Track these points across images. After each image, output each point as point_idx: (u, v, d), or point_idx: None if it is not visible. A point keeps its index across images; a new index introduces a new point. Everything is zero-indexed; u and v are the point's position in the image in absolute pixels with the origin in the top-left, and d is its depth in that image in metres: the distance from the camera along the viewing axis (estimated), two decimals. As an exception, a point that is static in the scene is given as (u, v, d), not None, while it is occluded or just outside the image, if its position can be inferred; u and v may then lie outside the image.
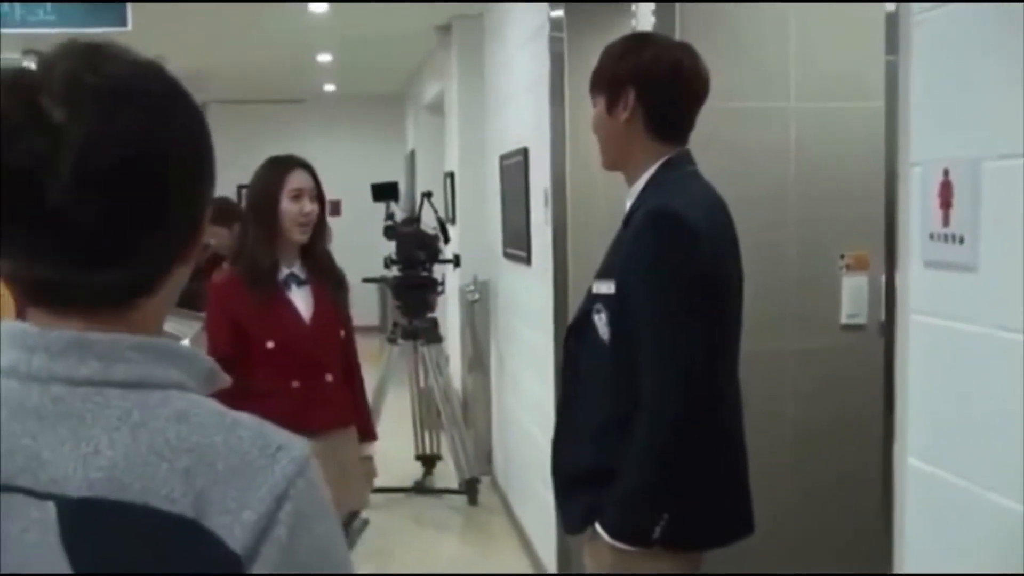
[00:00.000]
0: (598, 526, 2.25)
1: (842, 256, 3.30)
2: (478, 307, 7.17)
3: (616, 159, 2.42)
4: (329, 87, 12.95)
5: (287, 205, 3.32)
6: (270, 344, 3.32)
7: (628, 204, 2.36)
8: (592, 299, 2.34)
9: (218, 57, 10.42)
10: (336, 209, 13.60)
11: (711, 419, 2.23)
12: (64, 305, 0.95)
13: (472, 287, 7.23)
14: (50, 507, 0.89)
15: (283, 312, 3.36)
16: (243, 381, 3.29)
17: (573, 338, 2.43)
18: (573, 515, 2.39)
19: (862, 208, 3.25)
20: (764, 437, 3.16)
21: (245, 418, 0.98)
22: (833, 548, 3.22)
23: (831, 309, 3.30)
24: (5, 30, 5.95)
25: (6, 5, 5.87)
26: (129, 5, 5.80)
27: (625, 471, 2.20)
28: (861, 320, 3.28)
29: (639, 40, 2.45)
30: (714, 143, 3.17)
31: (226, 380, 1.06)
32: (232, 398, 0.98)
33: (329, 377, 3.42)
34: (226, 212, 5.48)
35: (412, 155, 12.40)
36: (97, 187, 0.91)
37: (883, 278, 3.30)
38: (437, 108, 9.65)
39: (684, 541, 2.26)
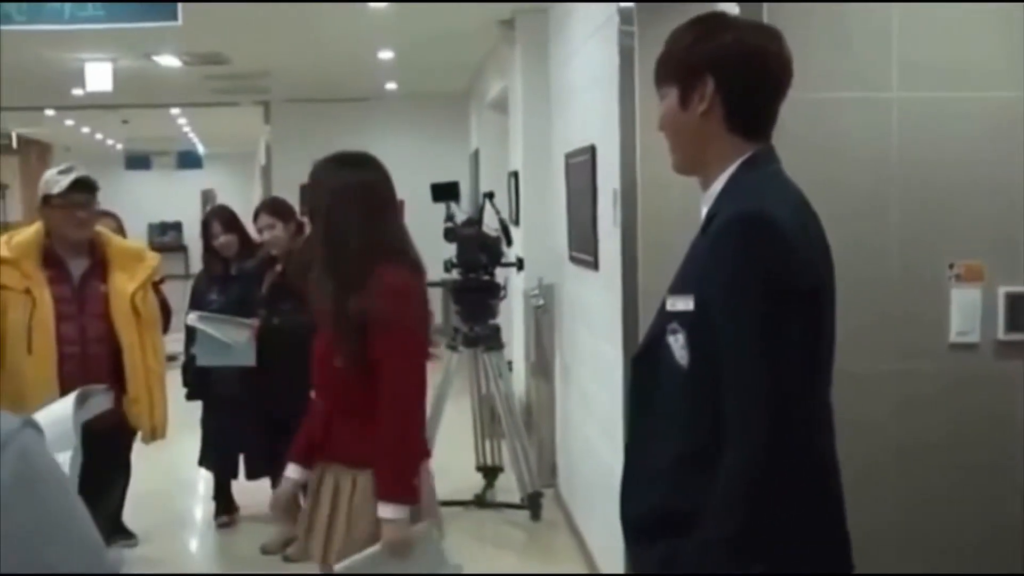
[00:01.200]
0: (678, 577, 1.94)
1: (951, 265, 2.92)
2: (543, 312, 6.89)
3: (691, 159, 2.08)
4: (391, 85, 12.75)
5: None
6: None
7: (704, 210, 2.04)
8: (666, 317, 2.01)
9: (279, 56, 10.28)
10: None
11: (808, 453, 1.90)
12: None
13: (537, 291, 6.95)
14: None
15: None
16: None
17: (643, 363, 2.10)
18: (648, 565, 2.07)
19: (976, 210, 2.92)
20: (861, 469, 2.83)
21: None
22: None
23: (938, 325, 2.93)
24: (54, 27, 5.79)
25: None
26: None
27: (709, 515, 1.87)
28: (973, 339, 2.91)
29: (716, 22, 2.09)
30: (806, 137, 2.85)
31: None
32: None
33: (320, 404, 3.14)
34: (286, 210, 5.37)
35: (476, 154, 12.16)
36: None
37: (1001, 291, 3.00)
38: (501, 106, 9.40)
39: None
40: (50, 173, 3.84)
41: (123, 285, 3.79)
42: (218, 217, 5.91)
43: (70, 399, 1.66)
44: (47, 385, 3.49)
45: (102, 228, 4.00)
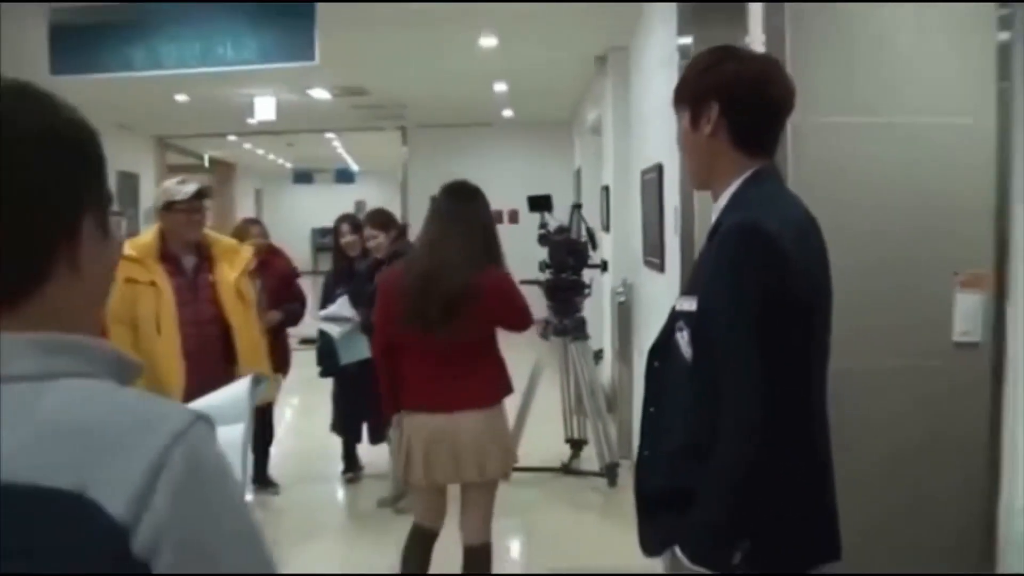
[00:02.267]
0: (677, 550, 1.87)
1: (955, 273, 2.75)
2: (625, 307, 6.82)
3: (701, 174, 2.03)
4: (508, 112, 12.76)
5: None
6: None
7: (713, 219, 1.97)
8: (675, 316, 1.95)
9: (412, 88, 10.41)
10: (514, 218, 13.49)
11: (792, 443, 1.81)
12: None
13: (621, 289, 6.89)
14: None
15: None
16: None
17: (657, 356, 2.04)
18: (652, 537, 2.00)
19: (979, 224, 2.75)
20: (876, 454, 2.70)
21: (131, 396, 0.92)
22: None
23: (942, 327, 2.76)
24: (219, 68, 5.94)
25: (219, 46, 5.86)
26: (317, 43, 5.66)
27: (702, 495, 1.81)
28: (975, 338, 2.74)
29: (723, 53, 2.03)
30: (825, 159, 2.73)
31: (137, 366, 0.98)
32: None
33: None
34: (386, 221, 5.38)
35: (579, 172, 12.11)
36: None
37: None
38: (598, 130, 9.34)
39: (766, 567, 1.84)
40: (171, 183, 3.89)
41: (227, 274, 3.84)
42: (346, 221, 6.01)
43: (246, 380, 1.69)
44: (174, 360, 3.57)
45: (207, 229, 4.05)
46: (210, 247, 3.90)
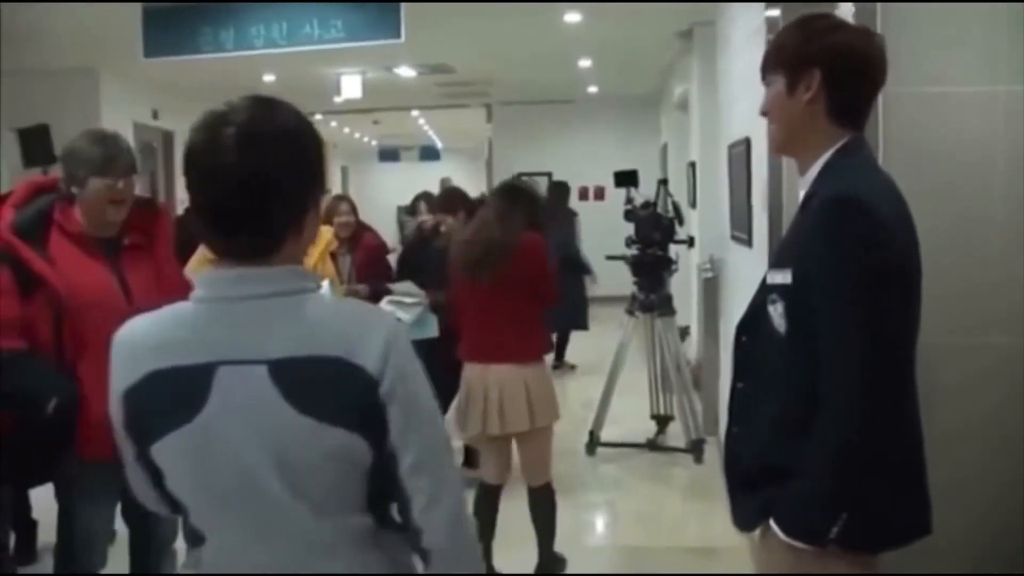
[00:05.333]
0: (772, 523, 1.88)
1: (1055, 248, 2.67)
2: (712, 283, 6.77)
3: (789, 142, 2.01)
4: (592, 89, 12.72)
5: None
6: None
7: (801, 192, 1.96)
8: (767, 289, 1.94)
9: (497, 65, 10.45)
10: (600, 195, 13.47)
11: (893, 417, 1.81)
12: (228, 258, 1.40)
13: (708, 265, 6.84)
14: (261, 367, 1.34)
15: None
16: None
17: (746, 330, 2.04)
18: (746, 511, 2.00)
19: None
20: (970, 434, 2.66)
21: (351, 302, 1.60)
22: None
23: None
24: (306, 47, 6.06)
25: (307, 24, 5.98)
26: (403, 21, 5.74)
27: (804, 470, 1.81)
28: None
29: (827, 22, 2.00)
30: (916, 130, 2.68)
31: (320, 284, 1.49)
32: None
33: None
34: (449, 203, 5.35)
35: (664, 147, 12.01)
36: (238, 192, 1.34)
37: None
38: (684, 106, 9.25)
39: (860, 542, 1.85)
40: None
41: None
42: (423, 199, 6.06)
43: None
44: None
45: None
46: None
